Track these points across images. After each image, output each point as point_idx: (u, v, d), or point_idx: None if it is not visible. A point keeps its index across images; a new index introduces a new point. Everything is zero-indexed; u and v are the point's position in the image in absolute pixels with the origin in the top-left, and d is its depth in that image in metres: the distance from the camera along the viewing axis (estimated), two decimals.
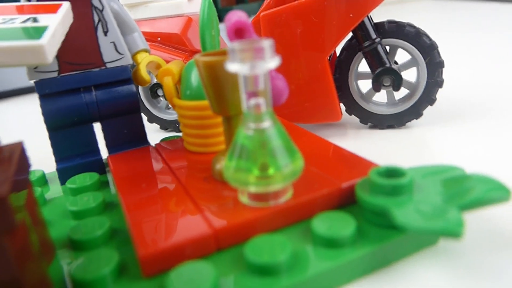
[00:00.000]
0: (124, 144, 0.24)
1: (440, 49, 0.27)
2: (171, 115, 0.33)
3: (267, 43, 0.15)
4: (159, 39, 0.30)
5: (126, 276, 0.15)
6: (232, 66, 0.15)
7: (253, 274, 0.14)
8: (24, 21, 0.18)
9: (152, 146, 0.25)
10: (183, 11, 0.30)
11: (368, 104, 0.29)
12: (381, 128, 0.30)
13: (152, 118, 0.33)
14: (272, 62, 0.15)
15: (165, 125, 0.34)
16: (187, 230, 0.15)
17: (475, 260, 0.15)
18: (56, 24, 0.18)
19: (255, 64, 0.15)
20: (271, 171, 0.16)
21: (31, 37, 0.17)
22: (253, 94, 0.15)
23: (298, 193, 0.17)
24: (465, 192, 0.15)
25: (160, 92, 0.32)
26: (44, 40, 0.17)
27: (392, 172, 0.16)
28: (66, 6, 0.20)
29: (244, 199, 0.17)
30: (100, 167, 0.24)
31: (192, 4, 0.31)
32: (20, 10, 0.19)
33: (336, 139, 0.29)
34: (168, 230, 0.15)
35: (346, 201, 0.17)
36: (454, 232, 0.13)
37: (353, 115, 0.30)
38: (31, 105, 0.57)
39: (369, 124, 0.30)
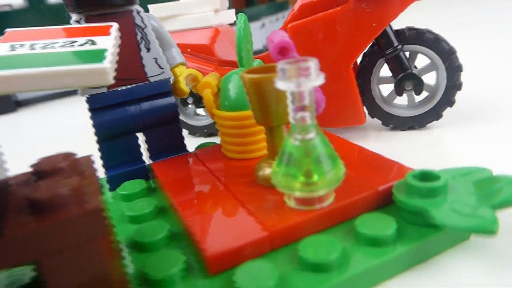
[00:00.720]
0: (165, 152, 0.26)
1: (451, 42, 0.28)
2: (199, 121, 0.35)
3: (312, 63, 0.16)
4: (188, 50, 0.32)
5: (192, 274, 0.16)
6: (281, 84, 0.17)
7: (307, 270, 0.15)
8: (83, 44, 0.20)
9: (191, 152, 0.26)
10: (211, 23, 0.32)
11: (389, 107, 0.31)
12: (402, 129, 0.31)
13: (182, 124, 0.35)
14: (317, 80, 0.16)
15: (194, 130, 0.35)
16: (245, 232, 0.17)
17: (504, 254, 0.17)
18: (112, 46, 0.20)
19: (301, 82, 0.16)
20: (315, 177, 0.17)
21: (94, 60, 0.18)
22: (299, 108, 0.17)
23: (339, 196, 0.18)
24: (495, 192, 0.17)
25: (189, 100, 0.34)
26: (107, 63, 0.18)
27: (426, 175, 0.18)
28: (115, 28, 0.22)
29: (291, 203, 0.18)
30: (144, 173, 0.25)
31: (218, 16, 0.32)
32: (75, 33, 0.21)
33: (359, 141, 0.30)
34: (227, 232, 0.17)
35: (383, 203, 0.19)
36: (489, 230, 0.15)
37: (375, 118, 0.31)
38: (49, 113, 0.59)
39: (390, 126, 0.31)
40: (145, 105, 0.25)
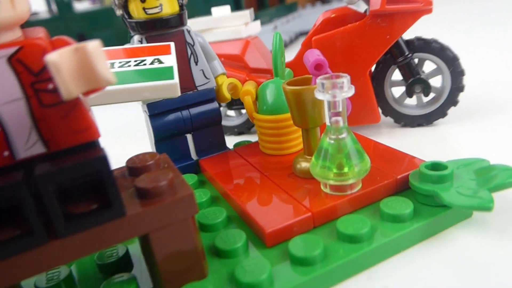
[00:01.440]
0: (209, 150, 0.30)
1: (453, 45, 0.33)
2: (230, 122, 0.39)
3: (345, 79, 0.20)
4: (222, 59, 0.36)
5: (252, 247, 0.21)
6: (319, 95, 0.21)
7: (344, 242, 0.20)
8: (152, 63, 0.24)
9: (231, 150, 0.31)
10: (241, 35, 0.36)
11: (400, 107, 0.35)
12: (412, 126, 0.35)
13: None
14: (349, 92, 0.21)
15: (225, 130, 0.39)
16: (293, 213, 0.21)
17: (498, 227, 0.21)
18: (175, 63, 0.24)
19: (336, 94, 0.21)
20: (346, 169, 0.22)
21: (166, 77, 0.23)
22: (334, 114, 0.21)
23: (366, 184, 0.22)
24: (491, 178, 0.21)
25: (222, 104, 0.38)
26: (176, 79, 0.23)
27: (436, 166, 0.22)
28: (173, 46, 0.26)
29: (326, 190, 0.23)
30: (193, 169, 0.30)
31: (248, 28, 0.37)
32: (142, 52, 0.25)
33: (375, 137, 0.34)
34: (278, 213, 0.21)
35: (401, 188, 0.23)
36: (487, 207, 0.19)
37: (388, 117, 0.35)
38: None
39: (401, 123, 0.35)
40: (194, 110, 0.29)
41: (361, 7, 0.35)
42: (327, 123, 0.22)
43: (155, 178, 0.18)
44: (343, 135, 0.21)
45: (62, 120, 0.16)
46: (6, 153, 0.16)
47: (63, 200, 0.16)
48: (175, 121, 0.28)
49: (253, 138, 0.39)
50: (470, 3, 0.90)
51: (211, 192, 0.26)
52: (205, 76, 0.29)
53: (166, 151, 0.29)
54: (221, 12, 0.37)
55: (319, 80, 0.21)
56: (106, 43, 0.19)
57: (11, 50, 0.15)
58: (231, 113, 0.40)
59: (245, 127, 0.39)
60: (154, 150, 0.29)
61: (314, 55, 0.22)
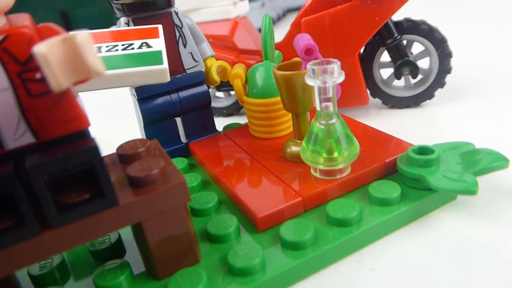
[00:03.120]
0: (199, 133, 0.30)
1: (439, 26, 0.33)
2: (219, 103, 0.39)
3: (336, 65, 0.20)
4: (210, 40, 0.35)
5: (244, 231, 0.21)
6: (310, 81, 0.21)
7: (334, 225, 0.20)
8: (140, 47, 0.23)
9: (221, 133, 0.31)
10: (230, 15, 0.35)
11: (388, 88, 0.35)
12: (399, 107, 0.36)
13: None
14: (340, 78, 0.21)
15: (214, 111, 0.39)
16: (284, 198, 0.21)
17: (482, 209, 0.21)
18: (164, 48, 0.24)
19: (326, 79, 0.21)
20: (335, 154, 0.22)
21: (155, 62, 0.22)
22: (324, 99, 0.21)
23: (355, 168, 0.23)
24: (476, 162, 0.22)
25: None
26: (166, 64, 0.22)
27: (423, 150, 0.23)
28: (161, 29, 0.25)
29: (316, 174, 0.23)
30: (183, 152, 0.30)
31: (237, 8, 0.36)
32: (130, 36, 0.25)
33: (362, 119, 0.35)
34: (269, 198, 0.21)
35: (389, 172, 0.24)
36: (471, 191, 0.20)
37: (376, 98, 0.36)
38: None
39: (389, 104, 0.36)
40: (183, 94, 0.29)
41: None
42: (317, 108, 0.22)
43: (147, 166, 0.18)
44: (333, 120, 0.22)
45: (50, 109, 0.16)
46: None
47: (54, 190, 0.15)
48: (164, 104, 0.28)
49: (242, 119, 0.39)
50: None
51: (202, 176, 0.27)
52: (194, 59, 0.28)
53: (156, 135, 0.29)
54: None
55: (309, 65, 0.21)
56: (90, 21, 0.19)
57: None
58: (220, 94, 0.40)
59: (234, 109, 0.39)
60: (143, 134, 0.29)
61: (305, 40, 0.22)
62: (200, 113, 0.30)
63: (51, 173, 0.15)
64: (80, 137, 0.17)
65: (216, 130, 0.31)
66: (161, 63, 0.22)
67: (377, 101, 0.37)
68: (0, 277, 0.15)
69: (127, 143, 0.20)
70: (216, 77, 0.29)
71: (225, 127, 0.32)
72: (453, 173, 0.21)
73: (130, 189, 0.17)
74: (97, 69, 0.13)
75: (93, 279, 0.18)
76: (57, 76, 0.13)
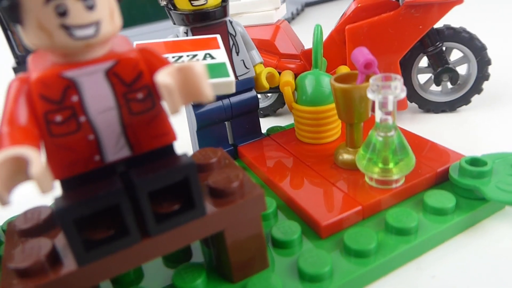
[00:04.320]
0: (246, 136, 0.31)
1: (474, 30, 0.34)
2: None
3: (398, 82, 0.21)
4: None
5: (306, 238, 0.22)
6: (371, 95, 0.22)
7: (393, 234, 0.21)
8: (205, 58, 0.24)
9: (268, 136, 0.32)
10: (272, 20, 0.36)
11: (425, 93, 0.36)
12: (436, 112, 0.36)
13: None
14: (401, 94, 0.22)
15: None
16: (345, 206, 0.22)
17: None
18: (227, 59, 0.25)
19: (387, 95, 0.22)
20: (391, 165, 0.23)
21: (221, 74, 0.23)
22: (384, 113, 0.22)
23: (408, 177, 0.24)
24: None
25: None
26: (232, 76, 0.23)
27: (475, 161, 0.24)
28: (220, 39, 0.26)
29: (372, 183, 0.24)
30: (232, 155, 0.31)
31: (278, 13, 0.37)
32: (192, 46, 0.25)
33: (397, 123, 0.36)
34: (329, 205, 0.23)
35: (439, 181, 0.25)
36: None
37: (412, 102, 0.37)
38: None
39: (425, 109, 0.37)
40: (234, 99, 0.30)
41: None
42: (377, 120, 0.23)
43: (227, 178, 0.19)
44: (391, 133, 0.23)
45: (147, 125, 0.17)
46: (97, 158, 0.17)
47: (152, 201, 0.17)
48: (217, 109, 0.29)
49: (279, 120, 0.40)
50: None
51: (254, 179, 0.28)
52: (245, 66, 0.29)
53: (206, 138, 0.30)
54: None
55: (372, 81, 0.22)
56: None
57: (109, 64, 0.15)
58: (258, 96, 0.41)
59: (271, 110, 0.40)
60: (195, 137, 0.30)
61: (364, 54, 0.23)
62: (248, 117, 0.31)
63: (154, 187, 0.16)
64: (168, 151, 0.18)
65: (262, 134, 0.32)
66: (228, 75, 0.23)
67: (412, 105, 0.38)
68: (102, 281, 0.17)
69: (199, 152, 0.22)
70: (266, 83, 0.30)
71: (269, 130, 0.33)
72: (507, 184, 0.22)
73: (211, 199, 0.19)
74: (209, 95, 0.14)
75: (173, 279, 0.20)
76: (176, 103, 0.14)
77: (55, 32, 0.13)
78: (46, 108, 0.15)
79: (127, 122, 0.16)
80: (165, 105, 0.17)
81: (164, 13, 0.29)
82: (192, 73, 0.14)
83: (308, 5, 0.93)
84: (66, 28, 0.13)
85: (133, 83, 0.16)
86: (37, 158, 0.13)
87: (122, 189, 0.15)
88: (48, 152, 0.16)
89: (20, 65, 0.61)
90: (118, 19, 0.15)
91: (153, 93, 0.17)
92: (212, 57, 0.25)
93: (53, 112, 0.15)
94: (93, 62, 0.15)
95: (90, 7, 0.14)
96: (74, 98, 0.15)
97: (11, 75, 0.65)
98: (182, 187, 0.17)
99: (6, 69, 0.72)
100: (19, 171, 0.13)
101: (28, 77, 0.15)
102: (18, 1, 0.13)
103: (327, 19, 0.84)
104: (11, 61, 0.66)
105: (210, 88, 0.14)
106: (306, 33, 0.41)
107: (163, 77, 0.14)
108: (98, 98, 0.16)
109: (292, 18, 0.82)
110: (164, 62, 0.16)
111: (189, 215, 0.17)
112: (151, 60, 0.16)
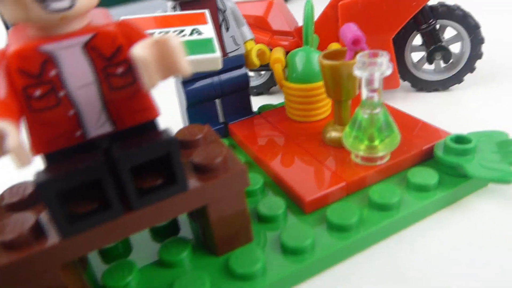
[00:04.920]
0: (237, 114, 0.31)
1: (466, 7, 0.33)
2: (250, 83, 0.40)
3: (385, 58, 0.21)
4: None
5: (291, 213, 0.23)
6: (358, 72, 0.22)
7: (375, 209, 0.22)
8: (191, 33, 0.24)
9: (259, 114, 0.32)
10: None
11: (418, 72, 0.36)
12: (428, 91, 0.36)
13: None
14: (387, 71, 0.21)
15: None
16: (330, 182, 0.23)
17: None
18: (214, 34, 0.24)
19: (374, 72, 0.22)
20: (376, 142, 0.23)
21: (208, 50, 0.23)
22: (370, 90, 0.22)
23: (394, 154, 0.24)
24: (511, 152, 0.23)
25: None
26: (218, 52, 0.23)
27: (460, 138, 0.24)
28: (208, 14, 0.26)
29: (357, 160, 0.24)
30: (222, 133, 0.31)
31: None
32: (179, 21, 0.25)
33: (390, 101, 0.36)
34: (314, 182, 0.23)
35: (425, 158, 0.25)
36: (507, 180, 0.21)
37: (405, 81, 0.36)
38: None
39: (418, 87, 0.37)
40: (224, 76, 0.30)
41: None
42: (363, 97, 0.23)
43: (211, 154, 0.19)
44: (377, 110, 0.23)
45: (128, 101, 0.17)
46: (78, 133, 0.17)
47: (133, 176, 0.17)
48: (207, 87, 0.29)
49: (272, 98, 0.40)
50: None
51: (243, 157, 0.28)
52: (235, 43, 0.29)
53: (196, 116, 0.30)
54: None
55: (359, 57, 0.22)
56: None
57: (86, 37, 0.15)
58: (251, 73, 0.40)
59: (264, 88, 0.40)
60: (185, 115, 0.30)
61: (352, 31, 0.23)
62: (238, 95, 0.31)
63: (134, 162, 0.16)
64: (151, 126, 0.18)
65: (253, 112, 0.32)
66: (214, 51, 0.23)
67: (405, 83, 0.38)
68: (86, 253, 0.17)
69: (186, 128, 0.22)
70: (256, 61, 0.30)
71: (261, 108, 0.34)
72: (490, 162, 0.22)
73: (195, 175, 0.19)
74: (186, 69, 0.14)
75: (159, 253, 0.20)
76: (152, 77, 0.14)
77: (30, 5, 0.13)
78: (25, 83, 0.15)
79: (107, 98, 0.17)
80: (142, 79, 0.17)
81: None
82: (167, 46, 0.14)
83: None
84: (41, 1, 0.13)
85: (112, 57, 0.16)
86: (14, 132, 0.13)
87: (103, 163, 0.15)
88: (29, 127, 0.16)
89: None
90: None
91: (133, 68, 0.17)
92: (200, 33, 0.24)
93: (32, 87, 0.15)
94: (70, 35, 0.15)
95: None
96: (53, 73, 0.15)
97: None
98: (164, 162, 0.17)
99: None
100: None
101: (5, 51, 0.15)
102: None
103: None
104: None
105: (186, 62, 0.14)
106: (300, 10, 0.41)
107: (139, 50, 0.14)
108: (77, 73, 0.16)
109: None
110: (143, 36, 0.16)
111: (171, 190, 0.17)
112: (131, 34, 0.16)
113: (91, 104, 0.16)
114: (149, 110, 0.18)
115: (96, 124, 0.17)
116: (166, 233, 0.23)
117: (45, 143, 0.16)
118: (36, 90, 0.15)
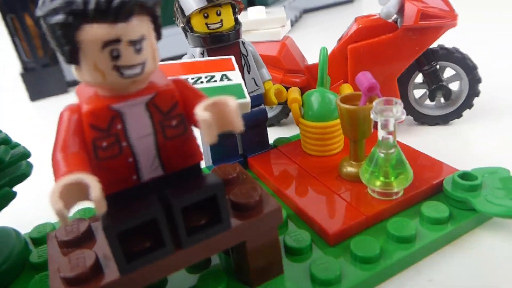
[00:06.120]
0: (255, 148, 0.33)
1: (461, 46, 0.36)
2: None
3: (399, 106, 0.24)
4: None
5: (316, 245, 0.24)
6: (374, 116, 0.24)
7: (393, 241, 0.24)
8: (222, 79, 0.27)
9: (276, 148, 0.34)
10: (279, 37, 0.38)
11: (420, 107, 0.38)
12: (430, 125, 0.39)
13: None
14: (402, 117, 0.24)
15: None
16: (351, 216, 0.25)
17: None
18: (242, 80, 0.27)
19: (388, 117, 0.24)
20: (391, 178, 0.25)
21: (238, 95, 0.25)
22: (385, 133, 0.25)
23: (407, 189, 0.26)
24: None
25: None
26: (248, 97, 0.25)
27: (466, 175, 0.26)
28: (234, 61, 0.28)
29: (374, 194, 0.26)
30: (242, 166, 0.33)
31: (284, 30, 0.39)
32: (208, 68, 0.28)
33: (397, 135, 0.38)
34: (336, 215, 0.25)
35: (434, 192, 0.27)
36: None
37: (409, 116, 0.39)
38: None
39: (420, 121, 0.39)
40: (245, 114, 0.31)
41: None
42: (379, 138, 0.25)
43: (248, 193, 0.21)
44: (392, 150, 0.25)
45: (178, 148, 0.19)
46: (134, 177, 0.19)
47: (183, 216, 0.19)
48: None
49: (283, 130, 0.42)
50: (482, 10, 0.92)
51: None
52: (256, 84, 0.31)
53: (219, 149, 0.32)
54: (256, 12, 0.39)
55: (376, 104, 0.24)
56: None
57: (149, 96, 0.17)
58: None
59: (276, 120, 0.42)
60: (208, 148, 0.32)
61: (368, 79, 0.26)
62: (257, 130, 0.33)
63: (187, 204, 0.18)
64: (196, 168, 0.20)
65: (269, 146, 0.34)
66: (244, 96, 0.25)
67: (409, 117, 0.40)
68: None
69: (219, 168, 0.24)
70: (274, 99, 0.32)
71: (276, 141, 0.36)
72: (495, 197, 0.25)
73: (233, 213, 0.21)
74: (240, 127, 0.17)
75: (198, 286, 0.22)
76: (213, 134, 0.16)
77: (108, 72, 0.15)
78: (94, 135, 0.17)
79: (161, 146, 0.19)
80: (201, 134, 0.19)
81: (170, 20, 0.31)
82: (226, 107, 0.16)
83: (306, 11, 0.95)
84: (118, 69, 0.15)
85: (169, 112, 0.18)
86: (96, 183, 0.15)
87: (160, 207, 0.17)
88: (93, 173, 0.18)
89: (27, 71, 0.63)
90: (158, 58, 0.17)
91: (185, 120, 0.19)
92: (229, 79, 0.27)
93: (100, 139, 0.17)
94: (136, 95, 0.17)
95: (138, 50, 0.16)
96: (119, 126, 0.17)
97: (19, 81, 0.66)
98: (209, 202, 0.19)
99: (14, 76, 0.73)
100: (77, 194, 0.15)
101: (78, 108, 0.17)
102: (78, 46, 0.15)
103: (324, 25, 0.86)
104: (17, 67, 0.67)
105: (241, 121, 0.17)
106: (304, 40, 0.43)
107: (202, 112, 0.16)
108: (139, 126, 0.18)
109: (291, 25, 0.84)
110: (196, 92, 0.18)
111: (217, 229, 0.19)
112: (185, 91, 0.18)
113: (147, 152, 0.18)
114: (195, 155, 0.20)
115: (150, 168, 0.19)
116: (199, 265, 0.24)
117: (105, 186, 0.18)
118: (104, 142, 0.17)
